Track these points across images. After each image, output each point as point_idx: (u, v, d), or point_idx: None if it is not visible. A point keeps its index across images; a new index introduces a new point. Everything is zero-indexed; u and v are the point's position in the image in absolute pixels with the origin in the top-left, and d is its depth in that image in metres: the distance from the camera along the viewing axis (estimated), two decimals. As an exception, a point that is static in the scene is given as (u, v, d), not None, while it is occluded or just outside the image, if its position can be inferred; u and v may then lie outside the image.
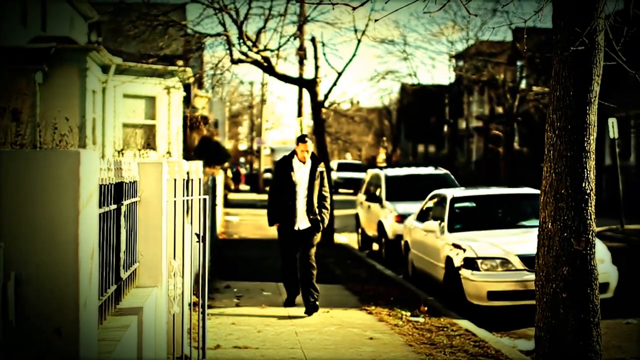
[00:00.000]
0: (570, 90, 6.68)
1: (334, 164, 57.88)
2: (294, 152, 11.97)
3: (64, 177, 3.70)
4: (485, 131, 52.03)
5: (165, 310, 7.27)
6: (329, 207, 11.96)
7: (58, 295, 3.71)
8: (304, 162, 11.82)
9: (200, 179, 8.25)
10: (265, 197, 51.35)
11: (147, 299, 6.37)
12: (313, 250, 11.80)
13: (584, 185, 6.70)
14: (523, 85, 44.00)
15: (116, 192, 5.73)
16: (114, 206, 5.63)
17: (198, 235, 7.92)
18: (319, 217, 11.76)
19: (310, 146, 11.94)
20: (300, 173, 11.79)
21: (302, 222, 11.75)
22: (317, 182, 11.78)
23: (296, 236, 11.79)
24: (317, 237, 11.86)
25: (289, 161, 11.89)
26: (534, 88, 40.53)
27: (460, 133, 62.49)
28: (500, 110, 46.90)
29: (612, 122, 26.34)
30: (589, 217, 6.73)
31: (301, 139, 11.98)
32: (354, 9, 5.10)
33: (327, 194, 11.98)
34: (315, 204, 11.77)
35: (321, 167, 11.89)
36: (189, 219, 9.10)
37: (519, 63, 43.51)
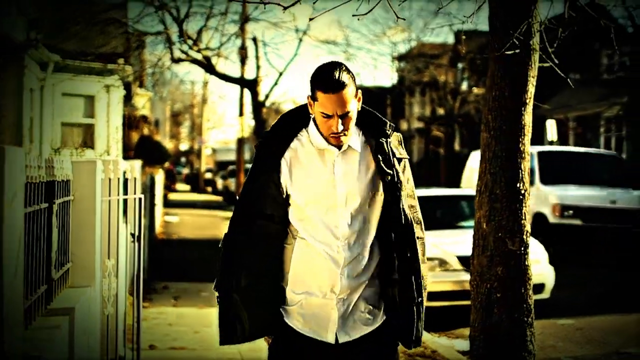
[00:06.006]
0: (505, 91, 6.72)
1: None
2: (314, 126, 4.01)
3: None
4: (427, 132, 52.41)
5: (99, 311, 7.17)
6: (425, 253, 4.10)
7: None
8: (339, 147, 3.98)
9: (136, 178, 8.14)
10: (206, 197, 50.15)
11: (79, 300, 6.26)
12: None
13: (518, 185, 6.75)
14: (464, 87, 44.43)
15: (47, 191, 5.62)
16: (45, 205, 5.52)
17: (133, 235, 7.81)
18: (408, 287, 3.97)
19: (355, 111, 3.98)
20: (340, 172, 4.01)
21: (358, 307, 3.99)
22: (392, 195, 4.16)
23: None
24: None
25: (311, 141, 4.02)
26: (474, 89, 40.96)
27: (402, 134, 62.80)
28: (441, 111, 47.28)
29: (551, 124, 26.66)
30: (523, 217, 6.79)
31: (333, 86, 3.85)
32: (284, 8, 5.07)
33: (420, 226, 4.15)
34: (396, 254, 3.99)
35: (398, 149, 4.66)
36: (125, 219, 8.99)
37: (460, 65, 43.90)
